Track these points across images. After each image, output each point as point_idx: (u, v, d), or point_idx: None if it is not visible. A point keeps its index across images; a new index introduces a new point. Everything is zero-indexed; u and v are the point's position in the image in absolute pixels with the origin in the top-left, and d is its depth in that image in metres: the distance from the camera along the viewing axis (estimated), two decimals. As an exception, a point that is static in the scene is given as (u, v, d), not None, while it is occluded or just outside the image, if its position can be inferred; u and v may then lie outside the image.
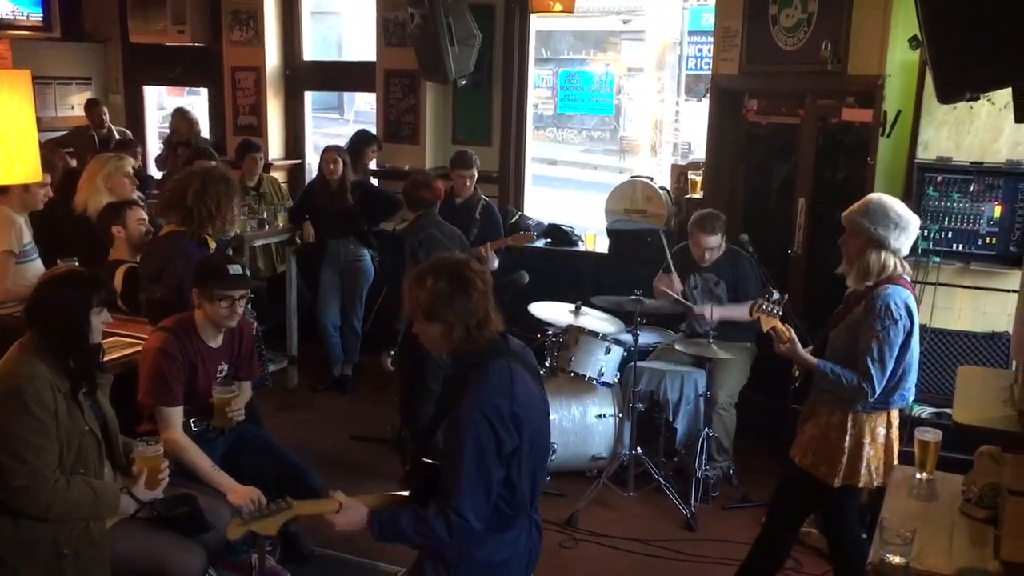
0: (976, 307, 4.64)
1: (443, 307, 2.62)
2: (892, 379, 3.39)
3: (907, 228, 3.38)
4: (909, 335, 3.38)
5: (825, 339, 3.56)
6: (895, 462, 3.48)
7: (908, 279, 3.47)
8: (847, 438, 3.44)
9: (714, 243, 5.07)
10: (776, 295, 3.58)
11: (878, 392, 3.37)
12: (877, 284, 3.39)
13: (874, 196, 3.49)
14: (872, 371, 3.34)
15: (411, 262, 4.72)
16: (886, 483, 3.47)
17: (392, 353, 5.05)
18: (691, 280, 5.23)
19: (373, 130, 7.15)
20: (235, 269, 3.59)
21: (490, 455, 2.58)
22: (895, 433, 3.51)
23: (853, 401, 3.42)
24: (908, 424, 4.12)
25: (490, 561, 2.72)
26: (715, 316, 4.93)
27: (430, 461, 2.79)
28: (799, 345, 3.52)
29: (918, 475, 3.02)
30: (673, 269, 5.18)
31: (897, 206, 3.40)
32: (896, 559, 2.50)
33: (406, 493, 2.83)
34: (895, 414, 3.52)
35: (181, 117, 7.79)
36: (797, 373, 3.66)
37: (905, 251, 3.43)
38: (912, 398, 3.54)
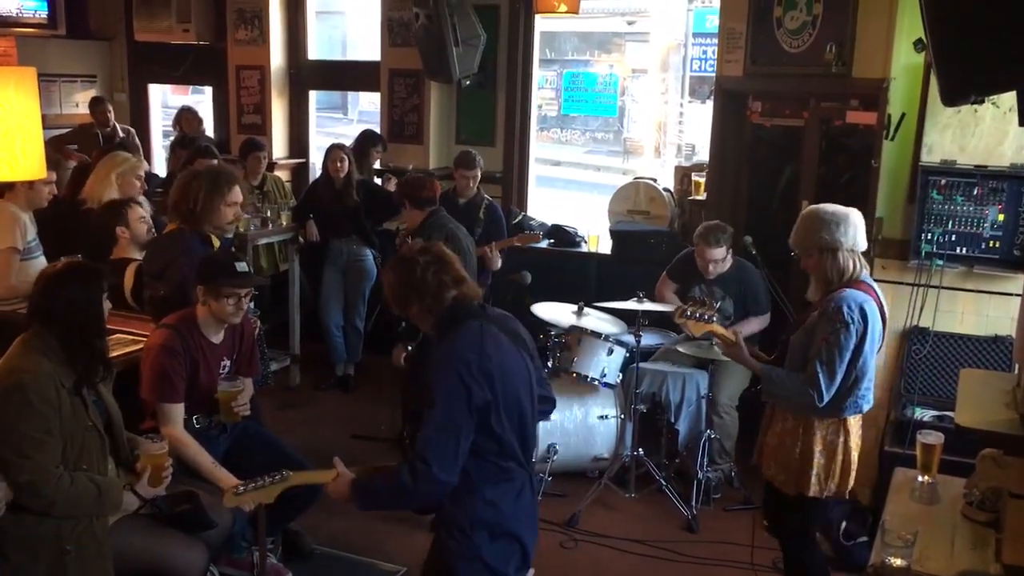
0: (979, 311, 4.64)
1: (400, 293, 2.87)
2: (843, 385, 3.28)
3: (846, 220, 3.29)
4: (863, 340, 3.26)
5: (786, 344, 3.48)
6: (852, 472, 3.40)
7: (869, 283, 3.37)
8: (798, 444, 3.36)
9: (719, 255, 5.03)
10: (703, 300, 3.58)
11: (826, 398, 3.26)
12: (836, 289, 3.31)
13: (804, 211, 3.46)
14: (820, 375, 3.23)
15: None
16: (842, 493, 3.42)
17: (410, 348, 4.76)
18: (694, 292, 5.20)
19: (377, 130, 7.15)
20: (242, 266, 3.61)
21: (459, 405, 2.67)
22: (854, 442, 3.39)
23: (807, 407, 3.33)
24: (910, 427, 4.12)
25: (497, 515, 2.80)
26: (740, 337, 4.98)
27: None
28: (744, 349, 3.48)
29: (920, 478, 3.02)
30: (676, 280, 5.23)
31: (828, 207, 3.36)
32: (897, 561, 2.51)
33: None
34: (853, 422, 3.39)
35: (187, 116, 7.80)
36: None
37: (861, 245, 3.34)
38: (868, 407, 3.41)
